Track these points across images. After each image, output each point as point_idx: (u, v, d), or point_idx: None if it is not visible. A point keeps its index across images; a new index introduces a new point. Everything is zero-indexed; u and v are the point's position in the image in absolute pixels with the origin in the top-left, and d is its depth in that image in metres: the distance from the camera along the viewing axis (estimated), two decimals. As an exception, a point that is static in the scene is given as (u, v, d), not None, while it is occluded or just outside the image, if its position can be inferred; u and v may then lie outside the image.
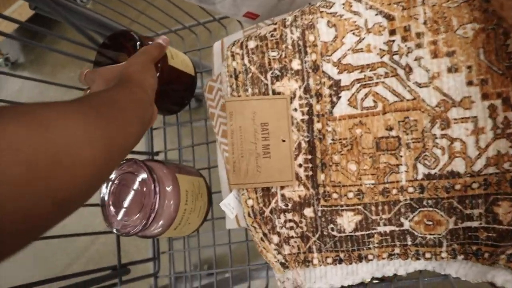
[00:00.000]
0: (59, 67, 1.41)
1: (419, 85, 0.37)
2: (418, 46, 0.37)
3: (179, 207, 0.47)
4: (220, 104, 0.47)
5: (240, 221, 0.46)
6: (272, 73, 0.41)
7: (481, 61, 0.35)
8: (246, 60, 0.41)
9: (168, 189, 0.46)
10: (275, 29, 0.41)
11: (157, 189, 0.43)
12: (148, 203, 0.43)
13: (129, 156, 0.55)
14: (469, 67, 0.36)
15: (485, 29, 0.35)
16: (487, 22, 0.35)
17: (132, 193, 0.45)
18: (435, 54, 0.37)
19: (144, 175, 0.44)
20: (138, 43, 0.47)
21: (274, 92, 0.41)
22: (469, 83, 0.36)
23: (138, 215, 0.44)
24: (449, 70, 0.36)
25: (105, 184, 0.46)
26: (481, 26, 0.35)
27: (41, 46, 0.57)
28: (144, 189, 0.44)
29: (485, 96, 0.35)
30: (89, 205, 0.48)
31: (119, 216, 0.45)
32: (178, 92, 0.56)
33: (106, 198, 0.46)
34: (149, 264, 0.61)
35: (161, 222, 0.45)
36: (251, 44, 0.41)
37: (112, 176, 0.46)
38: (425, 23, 0.37)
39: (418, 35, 0.37)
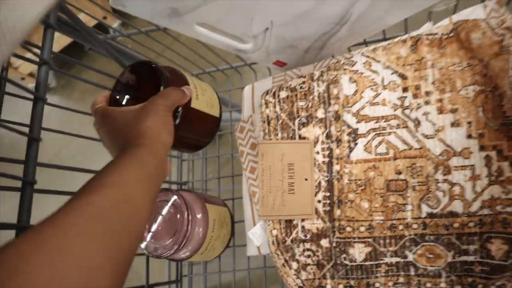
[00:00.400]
0: (87, 94, 1.49)
1: (426, 136, 0.43)
2: (427, 102, 0.43)
3: (207, 234, 0.51)
4: (250, 143, 0.53)
5: (261, 249, 0.51)
6: (299, 120, 0.47)
7: (480, 118, 0.41)
8: (277, 108, 0.48)
9: (199, 217, 0.50)
10: (304, 82, 0.47)
11: (190, 217, 0.48)
12: (181, 229, 0.48)
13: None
14: (469, 123, 0.41)
15: (484, 90, 0.41)
16: (486, 85, 0.41)
17: (165, 219, 0.49)
18: (440, 110, 0.42)
19: (177, 203, 0.48)
20: (162, 80, 0.43)
21: (300, 137, 0.47)
22: (469, 136, 0.41)
23: (171, 239, 0.48)
24: (452, 124, 0.42)
25: None
26: (481, 88, 0.41)
27: (68, 75, 0.62)
28: (178, 216, 0.48)
29: (482, 148, 0.41)
30: None
31: (152, 240, 0.48)
32: (199, 134, 0.52)
33: None
34: (172, 286, 0.65)
35: (190, 247, 0.50)
36: (283, 94, 0.48)
37: None
38: (433, 83, 0.43)
39: (427, 93, 0.43)
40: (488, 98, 0.40)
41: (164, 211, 0.49)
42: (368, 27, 0.49)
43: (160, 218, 0.49)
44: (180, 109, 0.44)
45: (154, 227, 0.48)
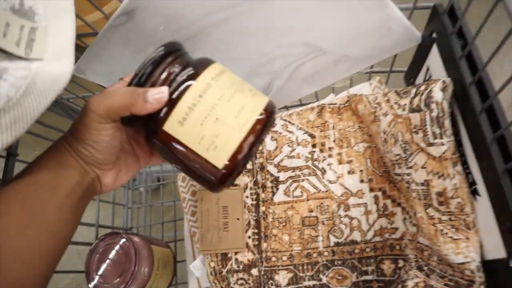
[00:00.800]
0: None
1: (330, 181, 0.54)
2: (330, 156, 0.54)
3: (152, 273, 0.56)
4: (191, 191, 0.60)
5: (201, 282, 0.58)
6: (231, 170, 0.56)
7: (368, 167, 0.53)
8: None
9: (145, 257, 0.55)
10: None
11: (137, 257, 0.52)
12: (128, 269, 0.52)
13: (109, 230, 0.66)
14: (361, 171, 0.53)
15: (370, 146, 0.53)
16: (371, 142, 0.53)
17: (114, 260, 0.52)
18: (340, 162, 0.54)
19: (125, 245, 0.52)
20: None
21: (232, 184, 0.56)
22: (361, 181, 0.53)
23: (119, 279, 0.51)
24: (349, 172, 0.53)
25: (89, 254, 0.52)
26: (368, 145, 0.53)
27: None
28: (125, 257, 0.52)
29: (371, 190, 0.52)
30: (78, 271, 0.57)
31: (100, 280, 0.51)
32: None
33: (91, 266, 0.52)
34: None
35: (136, 286, 0.53)
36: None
37: (97, 247, 0.52)
38: (334, 141, 0.55)
39: (330, 148, 0.55)
40: (373, 152, 0.53)
41: (112, 253, 0.53)
42: (287, 97, 0.59)
43: (108, 260, 0.53)
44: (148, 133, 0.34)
45: (103, 268, 0.52)
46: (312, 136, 0.55)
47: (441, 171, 0.41)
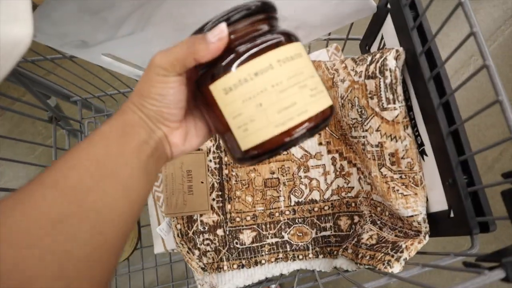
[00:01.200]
0: None
1: None
2: (289, 120, 0.57)
3: None
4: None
5: (166, 245, 0.60)
6: (195, 136, 0.57)
7: (326, 130, 0.56)
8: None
9: None
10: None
11: None
12: None
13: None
14: (319, 134, 0.56)
15: (328, 111, 0.56)
16: (329, 107, 0.56)
17: None
18: None
19: None
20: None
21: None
22: (320, 143, 0.56)
23: None
24: None
25: None
26: (326, 110, 0.56)
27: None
28: None
29: (329, 152, 0.56)
30: None
31: None
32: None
33: None
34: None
35: None
36: (180, 114, 0.58)
37: None
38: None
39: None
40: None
41: None
42: None
43: None
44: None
45: None
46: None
47: (393, 133, 0.45)
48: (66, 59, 0.61)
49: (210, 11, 0.48)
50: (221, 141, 0.41)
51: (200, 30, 0.30)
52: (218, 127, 0.32)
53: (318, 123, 0.30)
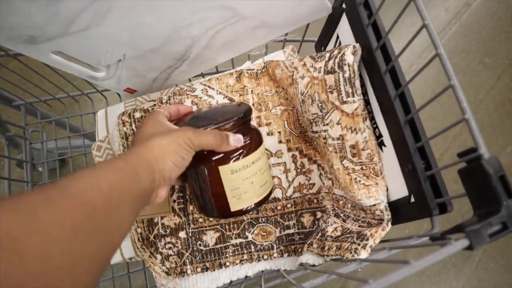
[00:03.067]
0: None
1: None
2: (250, 119, 0.57)
3: None
4: (108, 158, 0.59)
5: (124, 253, 0.57)
6: (154, 136, 0.55)
7: (286, 128, 0.56)
8: (133, 126, 0.55)
9: None
10: (154, 105, 0.56)
11: None
12: None
13: None
14: (279, 132, 0.56)
15: (287, 109, 0.57)
16: (288, 105, 0.57)
17: None
18: (259, 124, 0.56)
19: None
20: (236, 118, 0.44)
21: (156, 149, 0.55)
22: (280, 142, 0.56)
23: None
24: (268, 134, 0.56)
25: None
26: (285, 108, 0.57)
27: None
28: None
29: (289, 149, 0.56)
30: None
31: None
32: (202, 196, 0.47)
33: None
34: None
35: None
36: (137, 114, 0.56)
37: None
38: (253, 104, 0.57)
39: (250, 112, 0.57)
40: (290, 114, 0.57)
41: None
42: (204, 64, 0.60)
43: None
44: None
45: None
46: (231, 100, 0.57)
47: (353, 126, 0.46)
48: (9, 57, 0.57)
49: (168, 9, 0.47)
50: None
51: (205, 121, 0.44)
52: (213, 192, 0.45)
53: (272, 191, 0.50)
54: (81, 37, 0.47)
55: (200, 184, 0.45)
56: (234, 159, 0.43)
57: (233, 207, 0.45)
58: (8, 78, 0.63)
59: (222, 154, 0.43)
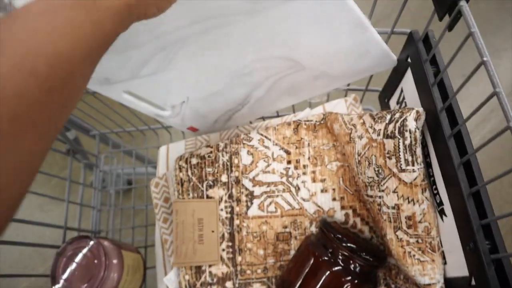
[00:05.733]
0: None
1: (304, 199, 0.54)
2: (304, 173, 0.55)
3: (121, 279, 0.55)
4: (164, 197, 0.60)
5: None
6: (207, 183, 0.56)
7: (341, 185, 0.54)
8: (189, 172, 0.57)
9: (115, 262, 0.54)
10: (211, 152, 0.57)
11: (107, 262, 0.51)
12: (97, 275, 0.51)
13: (76, 233, 0.65)
14: (333, 189, 0.54)
15: (343, 166, 0.55)
16: (344, 161, 0.55)
17: (82, 264, 0.52)
18: (313, 180, 0.55)
19: (95, 249, 0.52)
20: None
21: (207, 197, 0.55)
22: (333, 199, 0.54)
23: (86, 284, 0.51)
24: (322, 191, 0.54)
25: (56, 257, 0.51)
26: (341, 164, 0.55)
27: None
28: (95, 261, 0.52)
29: (342, 207, 0.54)
30: (41, 275, 0.56)
31: (66, 283, 0.50)
32: None
33: (57, 270, 0.51)
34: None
35: None
36: (194, 161, 0.57)
37: (65, 251, 0.52)
38: (309, 158, 0.56)
39: (304, 166, 0.56)
40: (346, 171, 0.54)
41: (81, 257, 0.52)
42: (264, 109, 0.60)
43: (75, 264, 0.52)
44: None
45: (69, 272, 0.51)
46: (287, 152, 0.56)
47: (411, 196, 0.43)
48: (88, 93, 0.62)
49: (232, 57, 0.48)
50: (233, 190, 0.46)
51: None
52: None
53: None
54: (150, 80, 0.51)
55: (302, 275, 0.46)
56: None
57: None
58: (87, 111, 0.69)
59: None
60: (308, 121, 0.57)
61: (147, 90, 0.53)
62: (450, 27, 0.40)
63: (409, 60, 0.49)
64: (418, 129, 0.42)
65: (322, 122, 0.56)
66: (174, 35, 0.44)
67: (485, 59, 0.36)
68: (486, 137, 1.22)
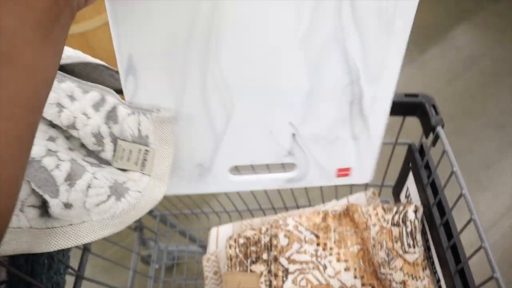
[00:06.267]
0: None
1: (330, 276, 0.65)
2: (330, 254, 0.67)
3: None
4: (213, 270, 0.73)
5: None
6: (251, 259, 0.69)
7: (361, 265, 0.65)
8: (237, 250, 0.70)
9: None
10: (255, 234, 0.70)
11: None
12: None
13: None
14: (355, 269, 0.65)
15: (363, 248, 0.66)
16: (363, 245, 0.66)
17: None
18: (338, 260, 0.66)
19: None
20: None
21: (251, 271, 0.68)
22: (355, 277, 0.65)
23: None
24: (345, 269, 0.65)
25: None
26: (361, 247, 0.66)
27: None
28: None
29: (363, 285, 0.64)
30: None
31: None
32: None
33: None
34: None
35: None
36: (241, 240, 0.70)
37: None
38: (334, 242, 0.68)
39: (331, 248, 0.68)
40: (365, 253, 0.66)
41: None
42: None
43: None
44: None
45: None
46: (317, 236, 0.69)
47: (414, 273, 0.54)
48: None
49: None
50: (272, 266, 0.56)
51: None
52: None
53: None
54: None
55: None
56: None
57: None
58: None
59: None
60: (334, 211, 0.70)
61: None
62: (434, 143, 0.55)
63: (410, 165, 0.63)
64: (417, 219, 0.54)
65: (345, 212, 0.69)
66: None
67: (463, 192, 0.49)
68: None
